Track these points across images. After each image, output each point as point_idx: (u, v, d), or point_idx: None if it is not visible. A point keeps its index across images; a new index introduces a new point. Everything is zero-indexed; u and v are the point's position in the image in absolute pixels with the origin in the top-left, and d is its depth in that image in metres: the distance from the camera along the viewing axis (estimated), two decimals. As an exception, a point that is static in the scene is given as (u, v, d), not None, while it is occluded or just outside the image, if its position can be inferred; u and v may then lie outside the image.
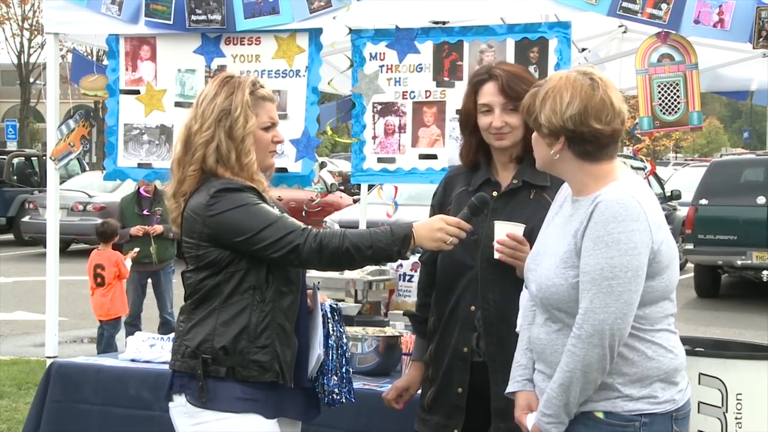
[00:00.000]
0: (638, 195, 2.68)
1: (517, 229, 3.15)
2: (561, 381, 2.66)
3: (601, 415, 2.69)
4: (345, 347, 3.30)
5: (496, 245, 3.15)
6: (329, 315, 3.27)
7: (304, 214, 9.78)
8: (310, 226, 3.09)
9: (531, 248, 3.06)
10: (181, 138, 3.18)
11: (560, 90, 2.73)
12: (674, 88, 4.66)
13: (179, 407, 3.12)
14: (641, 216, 2.65)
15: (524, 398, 2.88)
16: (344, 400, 3.28)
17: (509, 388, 2.93)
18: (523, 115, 2.87)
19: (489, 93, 3.26)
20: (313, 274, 3.36)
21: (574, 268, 2.70)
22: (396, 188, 6.94)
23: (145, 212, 9.17)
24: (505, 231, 3.15)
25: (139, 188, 9.28)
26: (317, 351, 3.19)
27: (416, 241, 3.03)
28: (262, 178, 3.19)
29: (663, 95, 4.66)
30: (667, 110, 4.65)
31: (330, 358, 3.24)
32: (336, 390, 3.24)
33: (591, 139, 2.72)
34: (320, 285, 3.39)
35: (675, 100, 4.66)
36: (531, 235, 3.10)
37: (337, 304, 3.34)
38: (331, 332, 3.26)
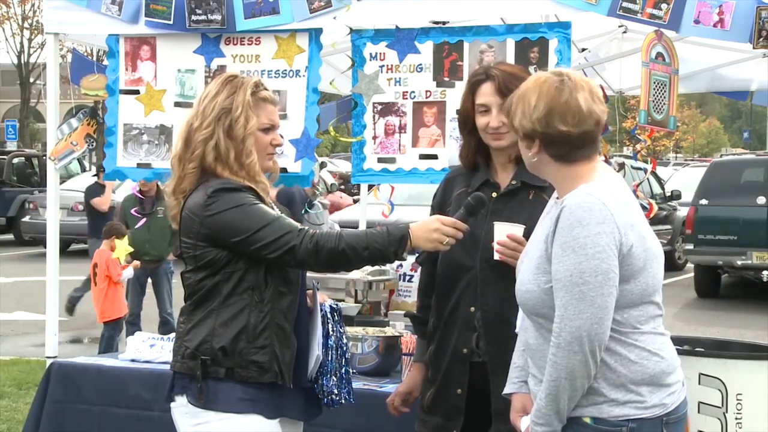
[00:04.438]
0: (604, 197, 2.64)
1: (517, 229, 3.14)
2: (548, 391, 2.64)
3: (588, 420, 2.67)
4: (345, 348, 3.30)
5: (496, 246, 3.15)
6: (329, 315, 3.26)
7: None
8: (307, 227, 3.09)
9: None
10: (182, 135, 3.19)
11: (529, 92, 2.71)
12: (663, 87, 4.67)
13: (181, 407, 3.12)
14: (607, 218, 2.60)
15: (519, 400, 2.86)
16: (343, 401, 3.27)
17: (506, 390, 2.93)
18: (506, 117, 2.85)
19: (486, 93, 3.26)
20: (312, 275, 3.36)
21: (546, 273, 2.68)
22: (392, 188, 6.93)
23: (133, 211, 9.25)
24: (505, 232, 3.14)
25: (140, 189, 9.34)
26: (316, 352, 3.19)
27: (413, 242, 3.02)
28: (264, 179, 3.19)
29: (656, 93, 4.67)
30: (656, 108, 4.66)
31: (329, 358, 3.24)
32: (335, 390, 3.24)
33: (560, 141, 2.70)
34: (320, 285, 3.39)
35: (663, 99, 4.67)
36: (529, 236, 3.10)
37: (337, 305, 3.33)
38: (331, 333, 3.26)
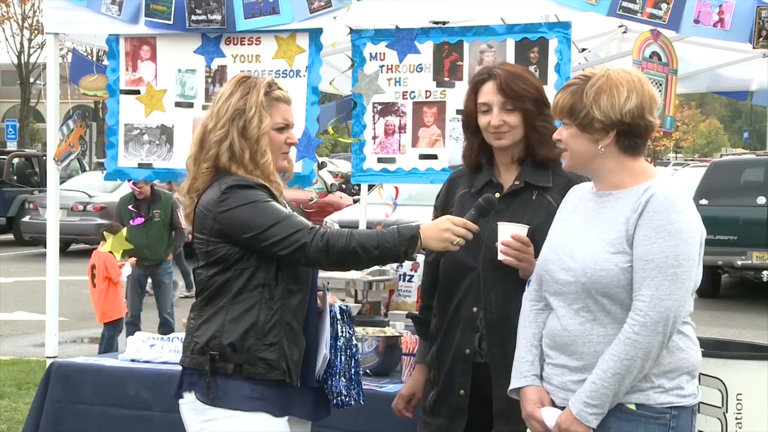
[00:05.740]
0: (684, 190, 2.77)
1: (521, 230, 3.14)
2: (616, 370, 2.66)
3: (633, 407, 2.71)
4: (354, 349, 3.30)
5: (500, 246, 3.14)
6: (338, 317, 3.27)
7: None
8: (318, 226, 3.10)
9: (535, 249, 3.05)
10: (197, 136, 3.22)
11: (615, 85, 2.77)
12: (658, 87, 4.66)
13: (189, 404, 3.14)
14: (693, 208, 2.75)
15: (535, 392, 2.85)
16: (353, 402, 3.27)
17: (514, 384, 2.91)
18: (560, 115, 2.84)
19: (488, 92, 3.26)
20: (321, 275, 3.36)
21: (624, 254, 2.72)
22: (397, 189, 6.93)
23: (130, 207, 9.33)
24: (509, 232, 3.13)
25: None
26: (324, 352, 3.20)
27: (423, 242, 3.03)
28: (278, 178, 3.20)
29: None
30: None
31: (338, 359, 3.24)
32: (344, 391, 3.24)
33: (643, 132, 2.79)
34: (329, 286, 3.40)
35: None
36: (533, 236, 3.10)
37: (347, 306, 3.33)
38: (340, 334, 3.26)
